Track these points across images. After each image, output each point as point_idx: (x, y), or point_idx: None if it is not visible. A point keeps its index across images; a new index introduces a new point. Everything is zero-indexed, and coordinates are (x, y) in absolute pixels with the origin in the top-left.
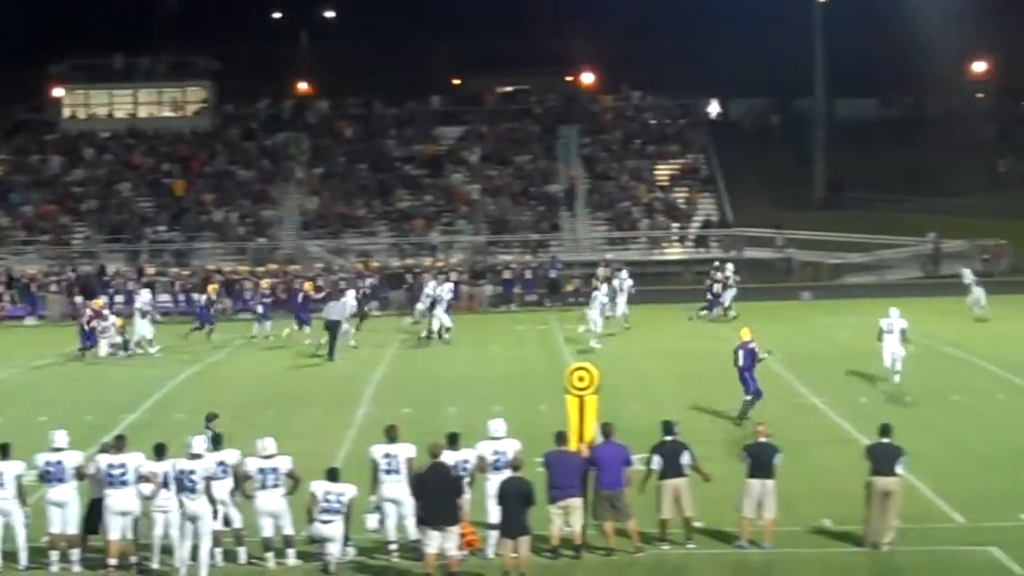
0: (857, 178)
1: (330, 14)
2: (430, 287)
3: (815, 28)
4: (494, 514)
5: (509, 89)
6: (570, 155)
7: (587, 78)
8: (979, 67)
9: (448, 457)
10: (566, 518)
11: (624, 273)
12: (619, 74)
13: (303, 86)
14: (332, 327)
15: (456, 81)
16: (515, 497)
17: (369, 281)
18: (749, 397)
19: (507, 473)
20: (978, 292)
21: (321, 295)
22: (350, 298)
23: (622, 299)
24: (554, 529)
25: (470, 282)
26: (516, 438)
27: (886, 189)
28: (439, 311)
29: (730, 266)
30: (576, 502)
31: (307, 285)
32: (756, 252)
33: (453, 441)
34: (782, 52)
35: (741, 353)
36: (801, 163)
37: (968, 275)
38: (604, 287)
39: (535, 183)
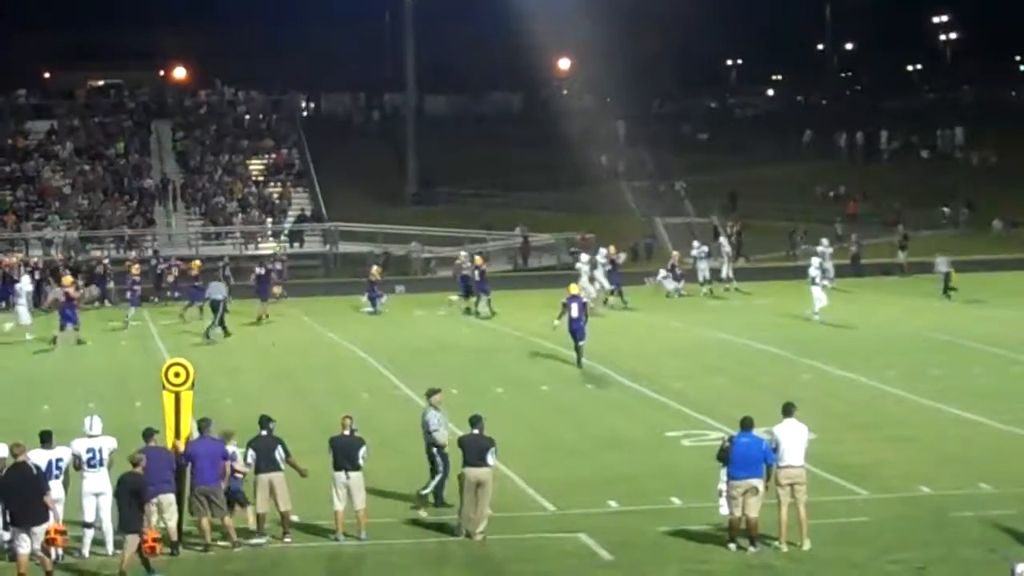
0: (447, 173)
1: None
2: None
3: (405, 25)
4: (89, 512)
5: (101, 83)
6: (164, 150)
7: (179, 73)
8: (564, 65)
9: (41, 456)
10: (160, 514)
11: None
12: (212, 69)
13: None
14: (216, 305)
15: (46, 74)
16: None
17: None
18: (583, 343)
19: (103, 471)
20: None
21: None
22: None
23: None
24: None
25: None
26: (112, 435)
27: (476, 184)
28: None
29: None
30: (169, 498)
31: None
32: (351, 246)
33: (46, 439)
34: (374, 48)
35: (575, 306)
36: (394, 158)
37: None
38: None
39: (129, 178)
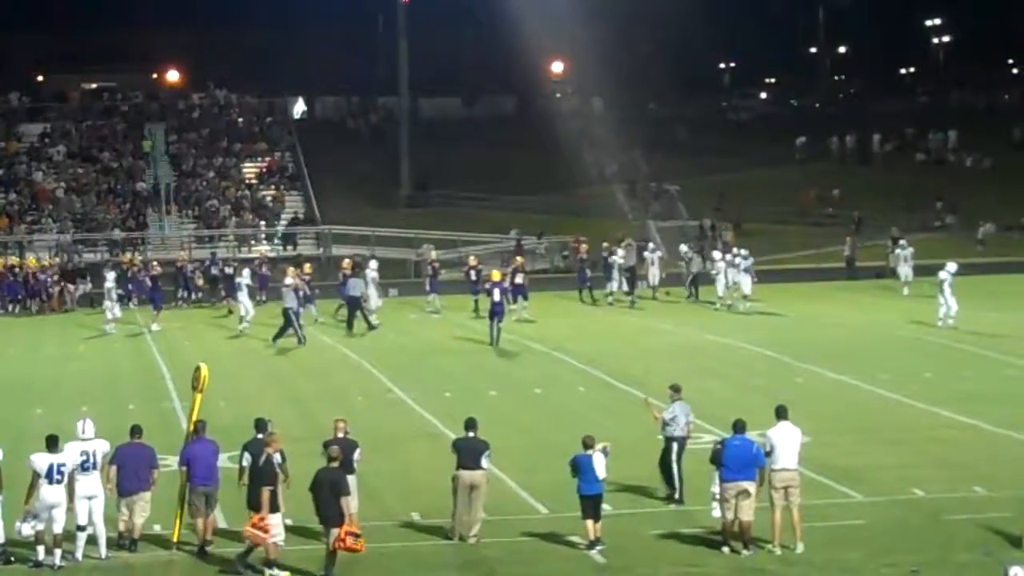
0: (441, 176)
1: None
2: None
3: (399, 28)
4: (82, 515)
5: (94, 86)
6: (157, 153)
7: (172, 76)
8: (557, 68)
9: (45, 460)
10: (129, 510)
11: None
12: (205, 72)
13: None
14: (352, 303)
15: (39, 77)
16: None
17: None
18: (500, 324)
19: (95, 474)
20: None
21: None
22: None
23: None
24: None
25: (64, 280)
26: (106, 438)
27: (469, 187)
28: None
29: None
30: (146, 496)
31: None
32: (344, 249)
33: (52, 444)
34: (367, 51)
35: (497, 291)
36: (387, 161)
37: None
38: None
39: (122, 181)
